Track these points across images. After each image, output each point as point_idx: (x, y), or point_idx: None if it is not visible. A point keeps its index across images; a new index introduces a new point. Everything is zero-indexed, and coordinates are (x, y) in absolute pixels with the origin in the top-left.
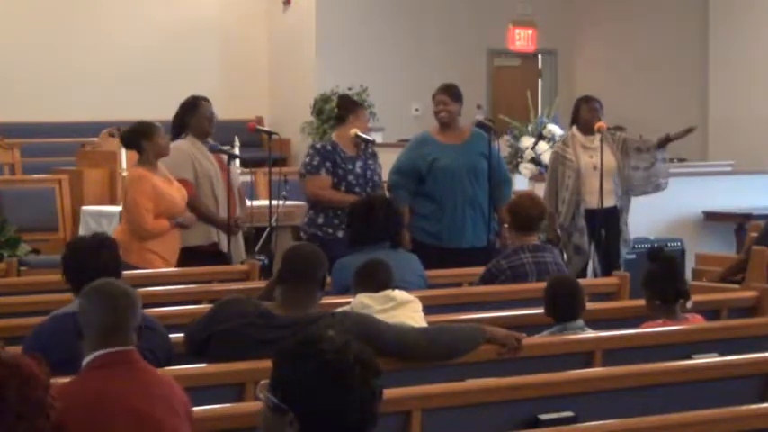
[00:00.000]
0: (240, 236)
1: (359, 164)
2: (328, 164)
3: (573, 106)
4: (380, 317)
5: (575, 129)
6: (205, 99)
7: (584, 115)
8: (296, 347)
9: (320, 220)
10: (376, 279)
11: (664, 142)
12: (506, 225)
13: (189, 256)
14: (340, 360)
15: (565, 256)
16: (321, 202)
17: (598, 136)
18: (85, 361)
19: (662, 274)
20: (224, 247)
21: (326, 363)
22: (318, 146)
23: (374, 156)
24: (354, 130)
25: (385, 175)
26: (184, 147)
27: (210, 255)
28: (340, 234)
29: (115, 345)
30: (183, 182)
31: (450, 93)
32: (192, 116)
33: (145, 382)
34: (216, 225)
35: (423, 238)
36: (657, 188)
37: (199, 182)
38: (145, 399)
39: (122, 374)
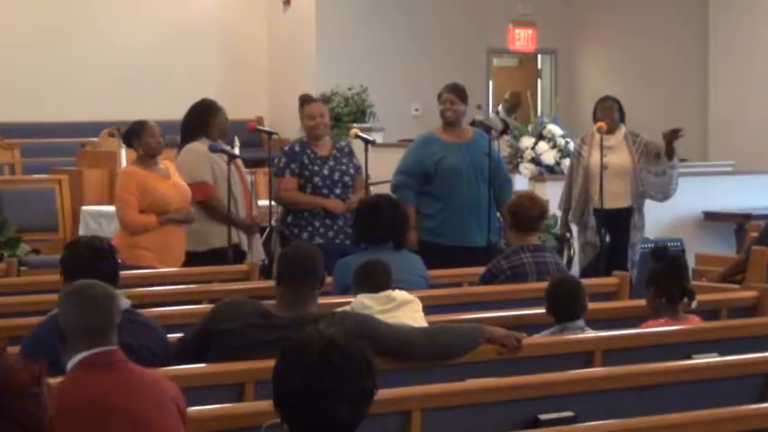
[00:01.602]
0: (258, 235)
1: (329, 164)
2: (294, 165)
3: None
4: (381, 317)
5: (595, 127)
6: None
7: (597, 115)
8: (285, 353)
9: (289, 219)
10: (374, 279)
11: (669, 152)
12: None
13: (213, 257)
14: (326, 355)
15: (573, 252)
16: (284, 204)
17: (617, 135)
18: (71, 363)
19: (668, 273)
20: (245, 247)
21: (316, 362)
22: (286, 148)
23: (350, 155)
24: (354, 130)
25: (387, 175)
26: (200, 149)
27: (232, 256)
28: (305, 235)
29: (99, 345)
30: (202, 184)
31: (458, 92)
32: (213, 117)
33: (132, 382)
34: (236, 225)
35: (428, 237)
36: (667, 196)
37: (217, 183)
38: (133, 399)
39: (109, 375)
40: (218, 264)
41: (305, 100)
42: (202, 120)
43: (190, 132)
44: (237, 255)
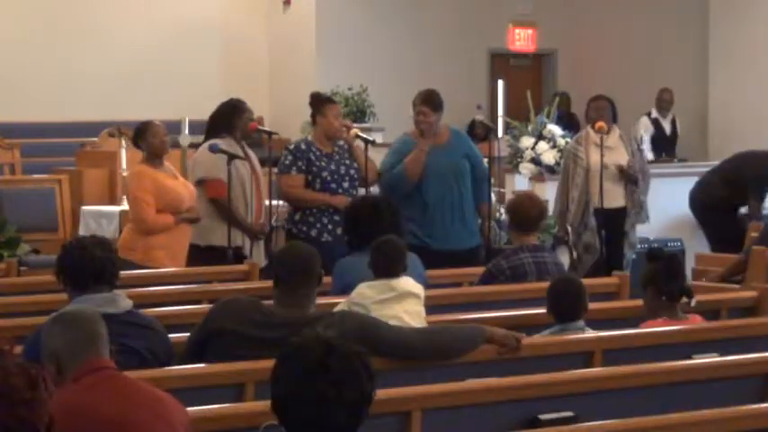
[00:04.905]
0: (262, 242)
1: (335, 159)
2: (300, 163)
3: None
4: (376, 307)
5: (589, 127)
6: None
7: (590, 114)
8: (283, 357)
9: (297, 217)
10: (387, 257)
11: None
12: (487, 223)
13: (211, 255)
14: (320, 360)
15: (575, 254)
16: (290, 201)
17: (612, 135)
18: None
19: (667, 272)
20: (246, 251)
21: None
22: (291, 146)
23: (348, 150)
24: (355, 130)
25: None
26: (222, 147)
27: (232, 257)
28: (314, 233)
29: (87, 357)
30: (217, 181)
31: (431, 103)
32: (239, 118)
33: (122, 390)
34: (241, 229)
35: (411, 241)
36: (639, 216)
37: (232, 184)
38: (122, 406)
39: (98, 385)
40: (216, 261)
41: (323, 101)
42: (229, 120)
43: (214, 130)
44: (238, 258)
